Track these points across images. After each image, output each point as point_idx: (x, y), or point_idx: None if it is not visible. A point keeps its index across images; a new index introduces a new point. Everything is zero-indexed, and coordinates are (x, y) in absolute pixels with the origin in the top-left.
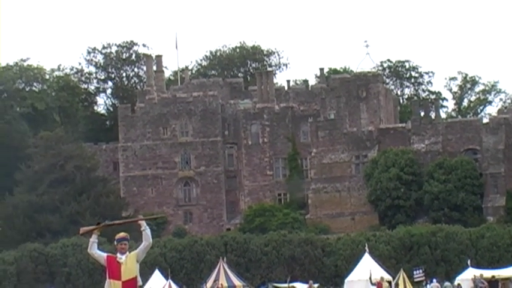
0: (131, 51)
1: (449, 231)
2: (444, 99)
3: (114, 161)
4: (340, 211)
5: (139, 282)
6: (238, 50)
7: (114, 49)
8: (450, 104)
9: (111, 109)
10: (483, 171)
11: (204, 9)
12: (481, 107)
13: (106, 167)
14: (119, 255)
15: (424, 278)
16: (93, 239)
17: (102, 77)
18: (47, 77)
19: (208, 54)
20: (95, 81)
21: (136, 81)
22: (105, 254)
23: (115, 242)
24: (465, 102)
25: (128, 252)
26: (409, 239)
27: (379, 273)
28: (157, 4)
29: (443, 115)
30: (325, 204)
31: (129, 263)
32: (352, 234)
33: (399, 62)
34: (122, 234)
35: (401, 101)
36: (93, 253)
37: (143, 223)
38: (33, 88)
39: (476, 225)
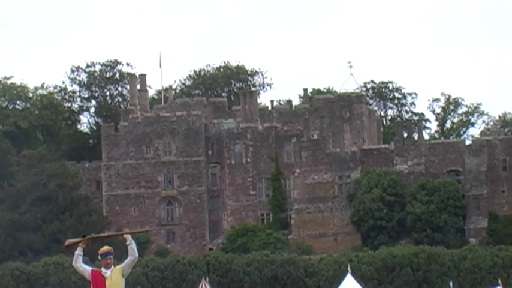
0: (115, 70)
1: (431, 252)
2: (427, 120)
3: (97, 179)
4: (323, 231)
5: None
6: (222, 69)
7: (97, 68)
8: (433, 126)
9: (95, 128)
10: (466, 193)
11: (188, 29)
12: (464, 129)
13: (89, 185)
14: (103, 269)
15: None
16: (79, 251)
17: (86, 96)
18: (31, 95)
19: (192, 73)
20: (78, 99)
21: (120, 100)
22: (90, 268)
23: (99, 257)
24: (448, 124)
25: (113, 267)
26: (391, 260)
27: None
28: (141, 23)
29: (426, 136)
30: (308, 224)
31: (114, 277)
32: (334, 255)
33: (382, 83)
34: (105, 249)
35: (384, 122)
36: (77, 266)
37: (128, 237)
38: (17, 106)
39: (459, 247)
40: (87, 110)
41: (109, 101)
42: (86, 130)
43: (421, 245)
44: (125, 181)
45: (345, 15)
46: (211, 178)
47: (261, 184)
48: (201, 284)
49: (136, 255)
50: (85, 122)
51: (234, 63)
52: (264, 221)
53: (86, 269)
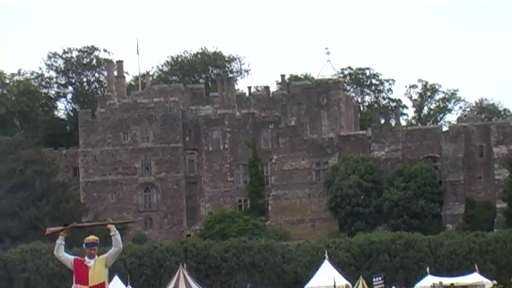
0: (92, 56)
1: (408, 238)
2: (404, 106)
3: (74, 166)
4: (301, 218)
5: None
6: (199, 56)
7: (75, 54)
8: (410, 112)
9: (72, 114)
10: (443, 179)
11: (165, 15)
12: (441, 115)
13: (66, 172)
14: (87, 259)
15: (383, 285)
16: (60, 240)
17: (63, 82)
18: (7, 81)
19: (169, 59)
20: (55, 86)
21: (97, 86)
22: (72, 257)
23: (83, 246)
24: (425, 110)
25: (96, 256)
26: (368, 246)
27: (339, 280)
28: (118, 9)
29: (403, 123)
30: (286, 210)
31: (97, 267)
32: (312, 241)
33: (360, 69)
34: (91, 238)
35: (361, 108)
36: (59, 256)
37: (112, 227)
38: None
39: (436, 233)
40: (64, 96)
41: (86, 87)
42: (63, 116)
43: (398, 231)
44: (102, 167)
45: (322, 0)
46: (189, 164)
47: (238, 170)
48: (178, 271)
49: (121, 246)
50: (62, 109)
51: (211, 50)
52: (241, 207)
53: (68, 258)
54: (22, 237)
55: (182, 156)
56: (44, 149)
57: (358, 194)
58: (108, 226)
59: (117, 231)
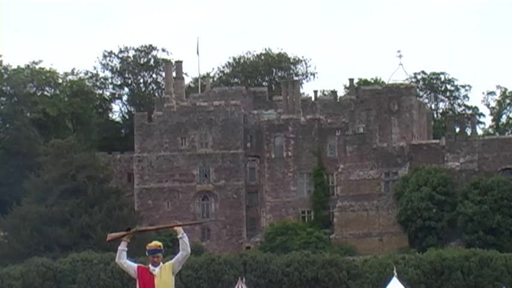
0: (149, 56)
1: (483, 256)
2: (481, 114)
3: (129, 172)
4: (368, 231)
5: None
6: (263, 57)
7: (131, 53)
8: (487, 120)
9: (127, 117)
10: None
11: (227, 14)
12: None
13: (120, 178)
14: (151, 266)
15: None
16: (122, 247)
17: (118, 83)
18: (60, 81)
19: (231, 61)
20: (110, 86)
21: (154, 87)
22: (135, 265)
23: (146, 253)
24: (503, 119)
25: (161, 263)
26: (440, 263)
27: None
28: (178, 6)
29: (479, 132)
30: (352, 223)
31: (164, 275)
32: (379, 257)
33: (434, 74)
34: (154, 245)
35: (435, 115)
36: (121, 263)
37: (180, 230)
38: (45, 93)
39: None
40: (120, 97)
41: (143, 89)
42: (118, 119)
43: (472, 248)
44: (158, 174)
45: (395, 1)
46: (250, 172)
47: (302, 180)
48: (237, 285)
49: (189, 250)
50: (117, 111)
51: (275, 51)
52: (305, 219)
53: (131, 266)
54: (73, 246)
55: (243, 164)
56: (97, 153)
57: (430, 207)
58: (175, 228)
59: (184, 234)
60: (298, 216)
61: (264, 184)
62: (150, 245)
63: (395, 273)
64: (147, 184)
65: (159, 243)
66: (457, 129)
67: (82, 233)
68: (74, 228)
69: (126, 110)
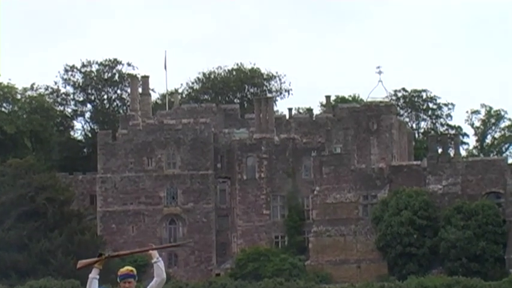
0: (114, 71)
1: (467, 284)
2: (465, 135)
3: (91, 193)
4: (345, 258)
5: None
6: (234, 72)
7: (94, 68)
8: (471, 141)
9: (90, 135)
10: (507, 218)
11: (197, 26)
12: (507, 145)
13: (82, 200)
14: None
15: None
16: (94, 274)
17: (81, 99)
18: (18, 96)
19: (200, 76)
20: (72, 103)
21: (119, 104)
22: None
23: (118, 279)
24: (488, 139)
25: None
26: None
27: None
28: (145, 18)
29: (463, 153)
30: (328, 249)
31: None
32: (357, 285)
33: (415, 91)
34: (126, 269)
35: (416, 135)
36: None
37: (155, 254)
38: (2, 109)
39: (498, 279)
40: (82, 115)
41: (107, 106)
42: (80, 137)
43: (455, 276)
44: (123, 196)
45: (373, 15)
46: (220, 195)
47: (275, 203)
48: None
49: (164, 276)
50: (79, 129)
51: (248, 66)
52: (278, 245)
53: None
54: (31, 272)
55: (213, 185)
56: (58, 173)
57: (411, 233)
58: (150, 252)
59: (160, 259)
60: (271, 242)
61: (235, 207)
62: (121, 270)
63: None
64: (110, 207)
65: (132, 268)
66: (440, 150)
67: (41, 259)
68: (33, 253)
69: (89, 128)
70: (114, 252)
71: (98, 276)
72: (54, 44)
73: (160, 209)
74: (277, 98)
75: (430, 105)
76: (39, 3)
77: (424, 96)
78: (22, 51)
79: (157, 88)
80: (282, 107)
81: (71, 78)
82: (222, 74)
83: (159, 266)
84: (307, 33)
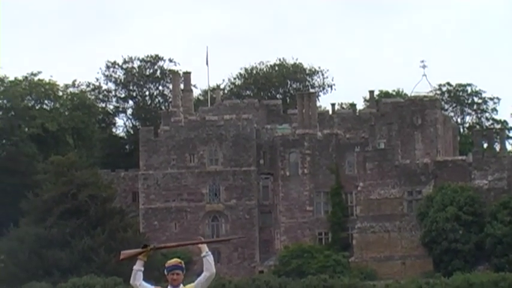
0: (156, 67)
1: None
2: (511, 129)
3: (134, 190)
4: (389, 254)
5: None
6: (277, 68)
7: (136, 64)
8: None
9: (132, 132)
10: None
11: (239, 22)
12: None
13: (124, 197)
14: (170, 287)
15: None
16: (138, 266)
17: (122, 95)
18: (60, 93)
19: (242, 72)
20: (114, 99)
21: (161, 100)
22: (153, 287)
23: (165, 271)
24: None
25: (182, 285)
26: None
27: None
28: (187, 14)
29: (509, 147)
30: (372, 245)
31: None
32: (402, 281)
33: (460, 85)
34: (174, 261)
35: (461, 130)
36: (137, 285)
37: (204, 247)
38: (44, 106)
39: None
40: (124, 111)
41: (148, 102)
42: (122, 134)
43: (501, 272)
44: (165, 193)
45: (418, 8)
46: (263, 191)
47: (319, 199)
48: None
49: (214, 270)
50: (121, 125)
51: (290, 61)
52: (322, 241)
53: None
54: (73, 270)
55: (255, 182)
56: (100, 170)
57: (456, 229)
58: (200, 246)
59: (209, 253)
60: (314, 238)
61: (278, 204)
62: (169, 261)
63: None
64: (153, 204)
65: (180, 260)
66: (485, 145)
67: (83, 256)
68: (75, 251)
69: (131, 125)
70: (160, 244)
71: (142, 268)
72: (96, 41)
73: (202, 206)
74: (320, 93)
75: (475, 99)
76: (80, 1)
77: (469, 91)
78: (64, 47)
79: (199, 84)
80: (324, 102)
81: (113, 74)
82: (264, 69)
83: (208, 260)
84: (350, 27)
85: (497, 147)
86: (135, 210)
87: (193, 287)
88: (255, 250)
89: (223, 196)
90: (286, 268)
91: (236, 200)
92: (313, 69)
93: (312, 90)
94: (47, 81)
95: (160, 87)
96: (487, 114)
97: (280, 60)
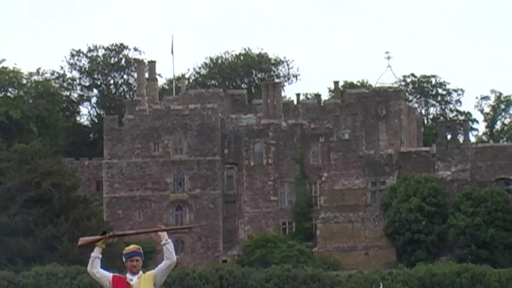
0: (121, 56)
1: (476, 271)
2: (474, 120)
3: (98, 179)
4: (353, 244)
5: None
6: (242, 57)
7: (101, 52)
8: (481, 127)
9: (96, 120)
10: None
11: (204, 11)
12: None
13: (88, 186)
14: (129, 275)
15: None
16: (96, 253)
17: (87, 84)
18: (24, 81)
19: (208, 61)
20: (78, 88)
21: (126, 89)
22: (111, 274)
23: (123, 258)
24: (498, 125)
25: (141, 272)
26: (430, 279)
27: None
28: (151, 3)
29: (472, 139)
30: (336, 236)
31: (143, 286)
32: (365, 272)
33: (424, 77)
34: (132, 247)
35: (425, 121)
36: (94, 272)
37: (164, 235)
38: (8, 94)
39: (507, 266)
40: (88, 100)
41: (113, 91)
42: (86, 123)
43: (464, 263)
44: (129, 182)
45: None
46: (227, 181)
47: (283, 189)
48: None
49: (174, 258)
50: (85, 114)
51: (255, 51)
52: (285, 231)
53: (105, 276)
54: (37, 258)
55: (220, 171)
56: (63, 159)
57: (420, 220)
58: (159, 233)
59: (169, 240)
60: (278, 228)
61: (242, 193)
62: (127, 248)
63: None
64: (117, 193)
65: (138, 246)
66: (449, 136)
67: (47, 245)
68: (38, 239)
69: (95, 113)
70: (119, 232)
71: (100, 256)
72: (60, 29)
73: (167, 195)
74: (285, 84)
75: (440, 90)
76: None
77: (434, 82)
78: (28, 35)
79: (164, 73)
80: (289, 92)
81: (77, 63)
82: (230, 59)
83: (168, 249)
84: (316, 18)
85: (461, 138)
86: (98, 199)
87: (153, 274)
88: (218, 240)
89: (187, 185)
90: (249, 258)
91: (200, 189)
92: (279, 60)
93: (277, 80)
94: (11, 69)
95: (125, 76)
96: (451, 106)
97: (245, 50)
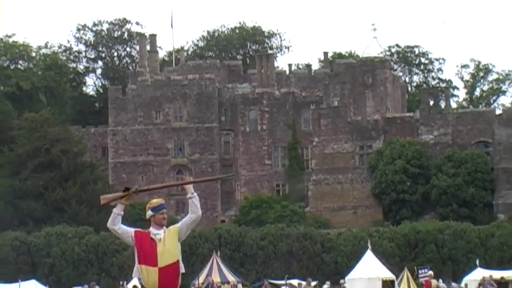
0: (123, 30)
1: (457, 228)
2: (455, 87)
3: (103, 145)
4: (342, 204)
5: (182, 269)
6: (237, 30)
7: (105, 27)
8: (461, 93)
9: (101, 90)
10: (495, 166)
11: None
12: (494, 97)
13: (94, 152)
14: (153, 230)
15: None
16: (118, 210)
17: (92, 56)
18: (33, 54)
19: (205, 34)
20: (84, 60)
21: (129, 61)
22: (133, 230)
23: (150, 212)
24: (477, 92)
25: (165, 227)
26: (414, 236)
27: (383, 272)
28: None
29: (453, 105)
30: (326, 196)
31: (168, 241)
32: (354, 230)
33: (408, 47)
34: (159, 200)
35: (409, 88)
36: (115, 229)
37: (190, 188)
38: (19, 66)
39: (486, 223)
40: (94, 71)
41: (117, 62)
42: (92, 93)
43: (446, 221)
44: (133, 148)
45: None
46: (224, 146)
47: (276, 153)
48: (212, 259)
49: (199, 212)
50: (91, 84)
51: (250, 24)
52: (279, 193)
53: (127, 231)
54: (47, 219)
55: (217, 137)
56: (71, 127)
57: (404, 180)
58: (185, 186)
59: (195, 194)
60: (272, 190)
61: (238, 158)
62: (151, 202)
63: (370, 246)
64: (121, 158)
65: (162, 200)
66: (431, 103)
67: (56, 207)
68: (48, 202)
69: (100, 84)
70: (143, 186)
71: (122, 213)
72: (67, 5)
73: (168, 160)
74: (278, 55)
75: (422, 60)
76: None
77: (417, 52)
78: (36, 11)
79: (164, 46)
80: (282, 63)
81: (83, 36)
82: (226, 32)
83: (194, 202)
84: None
85: (443, 104)
86: (104, 164)
87: (178, 228)
88: (217, 201)
89: (187, 151)
90: (246, 218)
91: (199, 154)
92: (272, 32)
93: (270, 52)
94: (21, 42)
95: (127, 49)
96: (433, 74)
97: (240, 23)
